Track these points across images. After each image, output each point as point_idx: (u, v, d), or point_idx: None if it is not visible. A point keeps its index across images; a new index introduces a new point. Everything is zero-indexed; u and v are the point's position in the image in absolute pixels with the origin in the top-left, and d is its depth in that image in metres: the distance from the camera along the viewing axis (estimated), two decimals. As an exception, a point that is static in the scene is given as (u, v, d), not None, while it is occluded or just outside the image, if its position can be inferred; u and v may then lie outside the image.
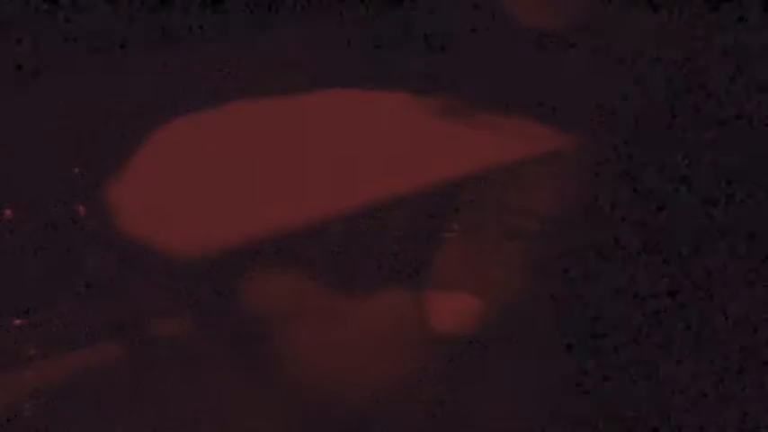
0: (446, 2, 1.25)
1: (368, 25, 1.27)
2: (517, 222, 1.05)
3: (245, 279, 0.76)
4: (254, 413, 0.92)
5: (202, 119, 0.87)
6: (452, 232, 0.91)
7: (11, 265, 1.05)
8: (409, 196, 0.77)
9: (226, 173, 0.79)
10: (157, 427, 0.95)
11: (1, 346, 1.00)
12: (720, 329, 0.97)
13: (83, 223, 1.05)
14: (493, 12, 1.19)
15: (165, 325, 1.02)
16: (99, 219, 1.02)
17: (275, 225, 0.71)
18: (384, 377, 0.83)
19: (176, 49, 1.27)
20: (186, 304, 0.94)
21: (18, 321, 1.01)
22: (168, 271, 0.93)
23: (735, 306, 0.95)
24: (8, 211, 1.07)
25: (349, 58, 1.22)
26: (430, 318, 0.89)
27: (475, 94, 1.02)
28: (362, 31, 1.26)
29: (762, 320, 0.95)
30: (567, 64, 1.14)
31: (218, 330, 0.91)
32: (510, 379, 0.94)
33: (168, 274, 0.93)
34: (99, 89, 1.23)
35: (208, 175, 0.78)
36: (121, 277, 1.02)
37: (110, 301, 1.02)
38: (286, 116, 0.86)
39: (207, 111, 0.88)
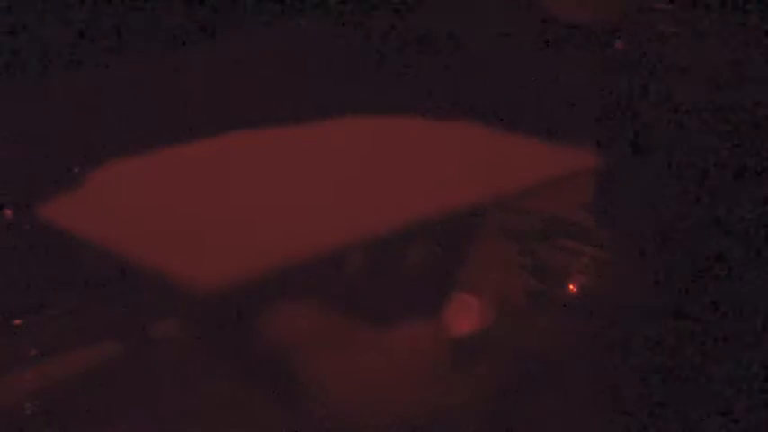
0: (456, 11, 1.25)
1: (378, 33, 1.27)
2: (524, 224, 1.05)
3: (264, 309, 0.75)
4: (254, 415, 0.92)
5: (211, 145, 0.86)
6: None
7: (11, 265, 1.05)
8: (430, 223, 0.76)
9: (239, 203, 0.77)
10: (157, 428, 0.95)
11: (1, 346, 1.00)
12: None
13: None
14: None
15: (164, 325, 1.02)
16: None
17: (293, 256, 0.70)
18: (406, 407, 0.82)
19: (182, 53, 1.27)
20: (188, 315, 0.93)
21: (18, 321, 1.01)
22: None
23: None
24: (8, 211, 1.07)
25: (359, 71, 1.22)
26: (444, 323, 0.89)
27: (492, 113, 1.01)
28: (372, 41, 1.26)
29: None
30: (584, 75, 1.13)
31: (219, 336, 0.91)
32: (542, 417, 0.94)
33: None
34: (100, 91, 1.23)
35: (219, 206, 0.77)
36: (121, 278, 1.02)
37: (110, 301, 1.02)
38: (300, 144, 0.85)
39: (214, 137, 0.87)
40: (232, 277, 0.66)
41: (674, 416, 0.93)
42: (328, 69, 1.22)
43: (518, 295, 1.05)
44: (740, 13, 1.12)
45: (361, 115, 0.86)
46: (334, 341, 0.76)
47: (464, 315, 1.01)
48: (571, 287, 1.08)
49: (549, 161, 0.82)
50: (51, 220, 0.75)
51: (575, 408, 0.94)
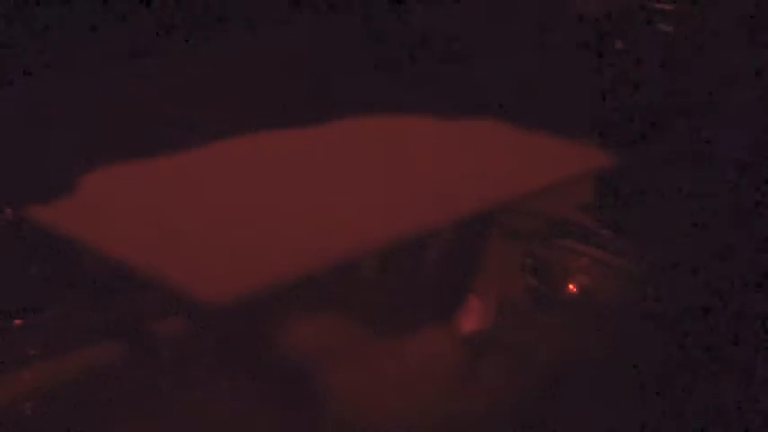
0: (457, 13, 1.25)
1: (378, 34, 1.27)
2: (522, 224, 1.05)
3: (279, 319, 0.74)
4: (255, 415, 0.91)
5: (217, 149, 0.85)
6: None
7: (11, 265, 1.05)
8: (444, 228, 0.75)
9: (247, 210, 0.76)
10: (157, 428, 0.95)
11: (1, 346, 1.00)
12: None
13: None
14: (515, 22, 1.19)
15: (164, 325, 1.02)
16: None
17: (308, 265, 0.69)
18: (421, 413, 0.81)
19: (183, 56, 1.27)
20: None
21: (18, 321, 1.01)
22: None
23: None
24: (8, 211, 1.07)
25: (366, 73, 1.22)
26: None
27: (502, 112, 1.00)
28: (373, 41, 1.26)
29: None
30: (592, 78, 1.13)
31: (233, 345, 0.91)
32: (551, 417, 0.93)
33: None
34: (101, 94, 1.23)
35: (226, 213, 0.76)
36: (121, 277, 1.02)
37: (110, 301, 1.02)
38: (313, 147, 0.84)
39: (219, 140, 0.86)
40: (244, 290, 0.65)
41: (677, 413, 0.93)
42: (336, 70, 1.22)
43: (520, 295, 1.05)
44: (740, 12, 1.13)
45: (371, 116, 0.85)
46: (346, 352, 0.76)
47: (466, 315, 1.00)
48: (572, 287, 1.08)
49: (566, 160, 0.81)
50: (51, 226, 0.75)
51: (580, 408, 0.94)
